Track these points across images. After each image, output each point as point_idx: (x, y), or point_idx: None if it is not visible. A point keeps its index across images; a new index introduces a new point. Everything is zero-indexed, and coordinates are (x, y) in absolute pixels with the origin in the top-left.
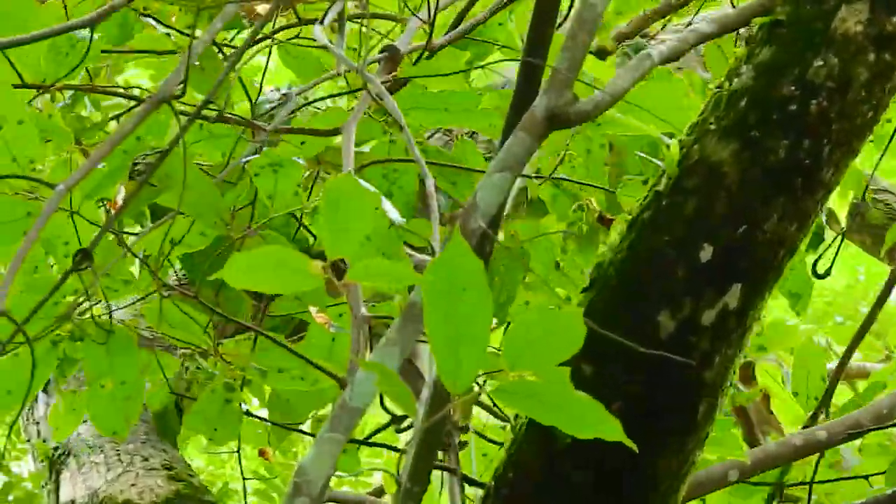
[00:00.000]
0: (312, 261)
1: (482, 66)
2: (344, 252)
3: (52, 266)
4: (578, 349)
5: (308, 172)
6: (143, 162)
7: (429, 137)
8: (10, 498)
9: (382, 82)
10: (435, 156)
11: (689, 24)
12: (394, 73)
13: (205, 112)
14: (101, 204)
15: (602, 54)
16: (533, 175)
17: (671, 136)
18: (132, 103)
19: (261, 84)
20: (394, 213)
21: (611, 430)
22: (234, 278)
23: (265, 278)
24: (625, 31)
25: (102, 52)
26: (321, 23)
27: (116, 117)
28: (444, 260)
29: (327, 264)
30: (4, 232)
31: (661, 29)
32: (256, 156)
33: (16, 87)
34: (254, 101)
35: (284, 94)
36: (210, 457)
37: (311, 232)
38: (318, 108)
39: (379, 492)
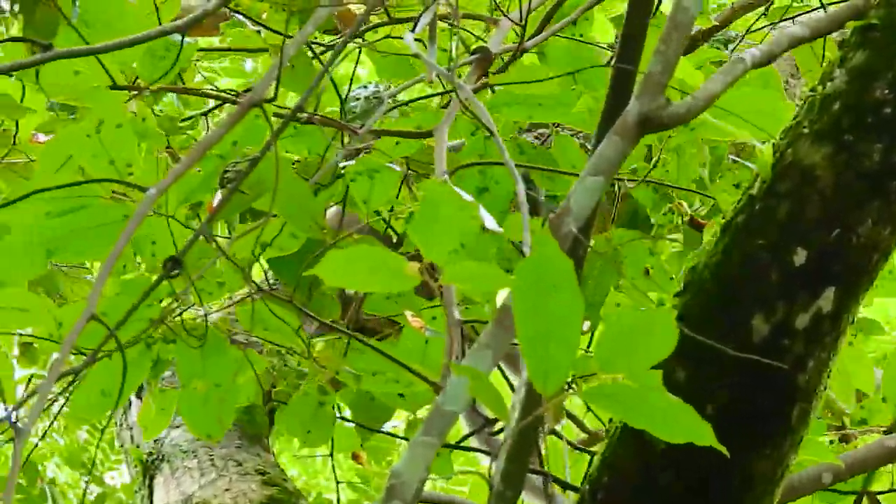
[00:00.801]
0: (409, 262)
1: (573, 73)
2: (438, 257)
3: (139, 265)
4: (671, 352)
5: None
6: (234, 169)
7: (524, 132)
8: None
9: (474, 84)
10: (530, 152)
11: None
12: (485, 74)
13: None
14: (192, 207)
15: (692, 46)
16: (626, 179)
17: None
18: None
19: (349, 84)
20: (489, 221)
21: (703, 434)
22: (330, 276)
23: (361, 277)
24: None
25: (199, 50)
26: (413, 30)
27: (205, 113)
28: (534, 261)
29: (423, 266)
30: (101, 234)
31: (753, 23)
32: (352, 162)
33: (110, 88)
34: (343, 100)
35: (376, 96)
36: (304, 467)
37: (395, 231)
38: (410, 110)
39: None
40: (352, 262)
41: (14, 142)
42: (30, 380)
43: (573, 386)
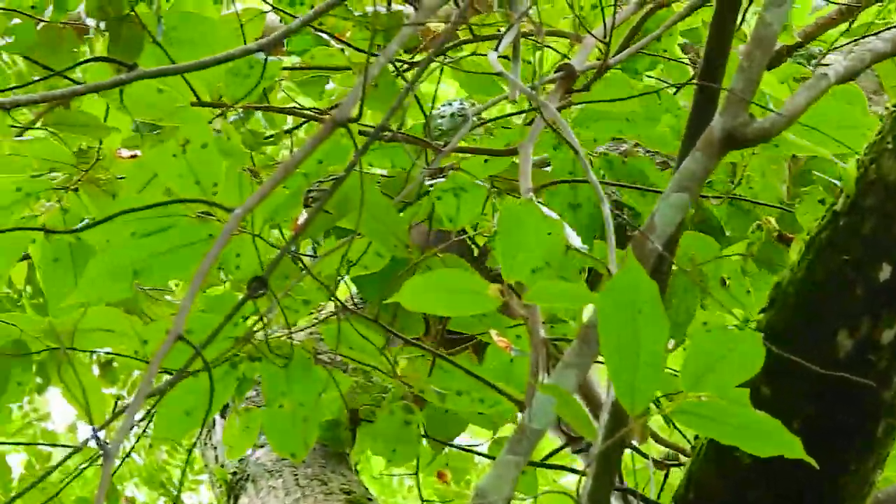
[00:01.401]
0: (490, 284)
1: (657, 91)
2: (521, 275)
3: (224, 281)
4: (758, 370)
5: None
6: (319, 188)
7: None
8: None
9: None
10: (619, 166)
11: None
12: (570, 92)
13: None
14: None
15: (777, 59)
16: (711, 196)
17: (843, 156)
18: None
19: (433, 101)
20: (574, 239)
21: (792, 448)
22: (411, 302)
23: (442, 301)
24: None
25: (282, 69)
26: (496, 48)
27: (289, 131)
28: (619, 282)
29: (505, 287)
30: (187, 254)
31: (836, 39)
32: (438, 180)
33: (193, 105)
34: (428, 116)
35: (460, 113)
36: (381, 487)
37: (477, 245)
38: (495, 128)
39: None
40: (433, 287)
41: (98, 158)
42: (116, 401)
43: (658, 404)
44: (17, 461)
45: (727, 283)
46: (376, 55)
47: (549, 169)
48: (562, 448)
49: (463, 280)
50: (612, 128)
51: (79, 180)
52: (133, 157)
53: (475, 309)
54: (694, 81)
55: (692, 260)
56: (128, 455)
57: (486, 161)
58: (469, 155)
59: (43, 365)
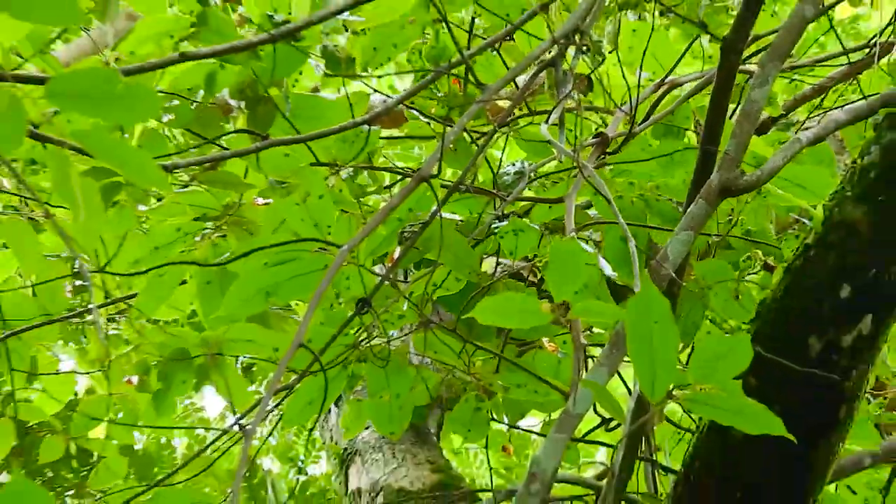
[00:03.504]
0: (543, 302)
1: (669, 154)
2: (567, 296)
3: (340, 301)
4: (747, 366)
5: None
6: (409, 229)
7: None
8: (307, 493)
9: (596, 161)
10: (654, 203)
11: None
12: (604, 154)
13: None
14: (379, 259)
15: (765, 128)
16: (712, 234)
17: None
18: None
19: (500, 161)
20: (607, 268)
21: (774, 426)
22: (484, 317)
23: (508, 317)
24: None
25: (381, 138)
26: (546, 121)
27: (389, 186)
28: (639, 300)
29: (555, 305)
30: (307, 280)
31: (811, 113)
32: (503, 223)
33: (313, 165)
34: (495, 173)
35: (520, 171)
36: (460, 459)
37: (535, 273)
38: (547, 182)
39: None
40: (501, 305)
41: (239, 206)
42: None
43: (673, 394)
44: (180, 443)
45: (739, 298)
46: (453, 126)
47: (592, 211)
48: (598, 427)
49: (523, 300)
50: (645, 168)
51: (225, 223)
52: (266, 205)
53: (532, 322)
54: (697, 146)
55: (697, 282)
56: (267, 438)
57: (549, 208)
58: (528, 202)
59: (200, 368)
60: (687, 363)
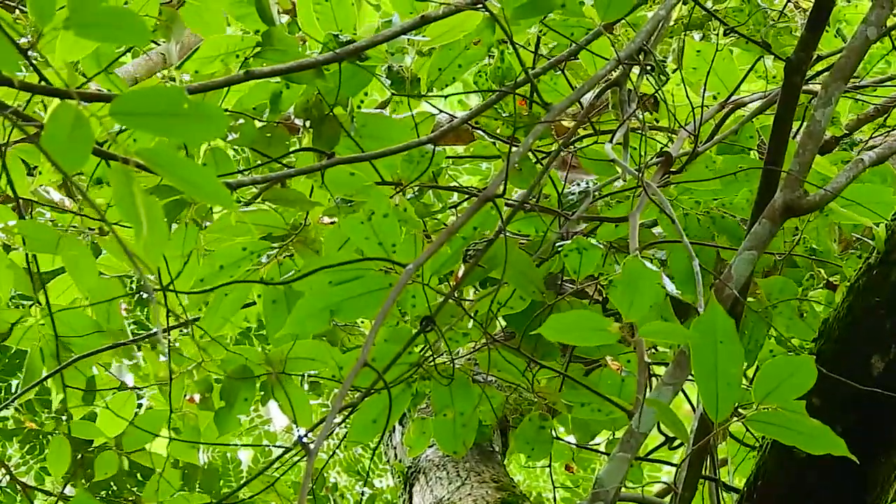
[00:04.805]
0: (610, 321)
1: (733, 173)
2: (635, 317)
3: (405, 319)
4: (811, 387)
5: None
6: (474, 248)
7: None
8: None
9: (660, 180)
10: (720, 221)
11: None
12: (668, 173)
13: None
14: (443, 277)
15: (828, 146)
16: (776, 253)
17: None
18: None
19: (565, 179)
20: (670, 286)
21: (837, 447)
22: (552, 334)
23: (575, 334)
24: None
25: (446, 157)
26: (611, 140)
27: (455, 206)
28: (704, 320)
29: (624, 324)
30: (372, 299)
31: (875, 131)
32: (567, 241)
33: (378, 184)
34: (560, 192)
35: (585, 190)
36: (528, 472)
37: (600, 292)
38: (611, 201)
39: (662, 494)
40: (569, 322)
41: (305, 224)
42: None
43: (736, 413)
44: (246, 456)
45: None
46: (518, 145)
47: (657, 230)
48: (661, 446)
49: (591, 318)
50: (709, 186)
51: (290, 241)
52: (332, 223)
53: (599, 341)
54: (761, 165)
55: (759, 300)
56: (334, 452)
57: (616, 227)
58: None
59: (264, 384)
60: (751, 381)
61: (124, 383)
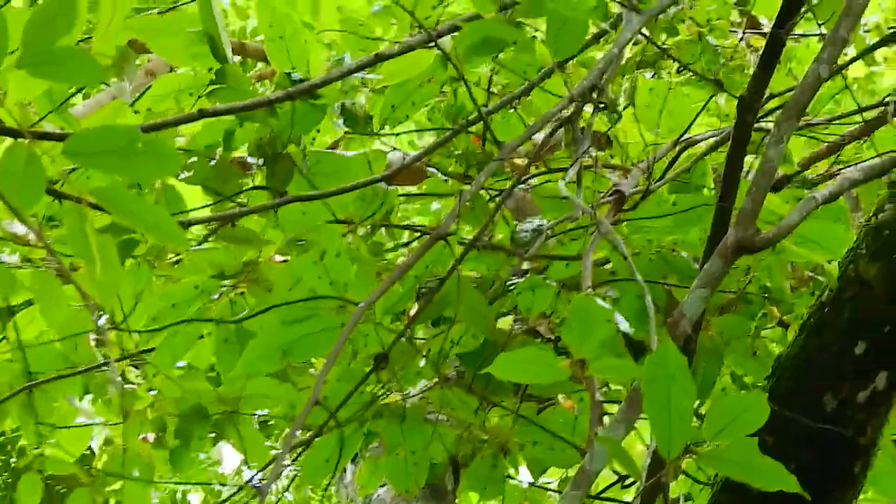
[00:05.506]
0: (561, 358)
1: (685, 209)
2: (585, 353)
3: (356, 359)
4: (762, 424)
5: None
6: (427, 286)
7: None
8: None
9: (613, 218)
10: (671, 259)
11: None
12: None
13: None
14: (396, 316)
15: (781, 185)
16: (728, 291)
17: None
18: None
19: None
20: (623, 324)
21: (790, 483)
22: (502, 372)
23: (525, 372)
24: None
25: (399, 195)
26: (564, 178)
27: (406, 245)
28: (657, 356)
29: (574, 361)
30: (324, 338)
31: (828, 169)
32: (519, 280)
33: (330, 223)
34: (513, 231)
35: (537, 228)
36: None
37: (552, 329)
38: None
39: None
40: (519, 361)
41: (257, 263)
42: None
43: (689, 451)
44: (196, 498)
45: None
46: (471, 183)
47: (608, 266)
48: (614, 484)
49: (541, 356)
50: (661, 224)
51: (242, 281)
52: (284, 262)
53: (550, 378)
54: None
55: (712, 338)
56: (283, 493)
57: (567, 265)
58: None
59: (217, 423)
60: (703, 418)
61: (84, 410)
